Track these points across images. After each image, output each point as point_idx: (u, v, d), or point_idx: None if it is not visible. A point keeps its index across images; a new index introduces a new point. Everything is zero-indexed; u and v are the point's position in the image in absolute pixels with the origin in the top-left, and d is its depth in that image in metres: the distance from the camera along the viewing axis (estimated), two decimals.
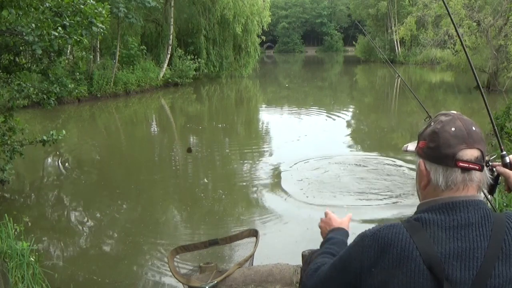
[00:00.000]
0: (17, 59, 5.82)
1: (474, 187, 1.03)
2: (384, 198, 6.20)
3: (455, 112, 1.08)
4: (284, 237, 5.00)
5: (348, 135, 11.45)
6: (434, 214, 1.01)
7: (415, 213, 1.06)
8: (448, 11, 1.82)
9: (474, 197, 1.02)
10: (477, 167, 1.01)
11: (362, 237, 1.07)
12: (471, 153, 1.01)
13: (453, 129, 1.03)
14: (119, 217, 5.93)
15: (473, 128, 1.02)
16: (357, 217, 5.19)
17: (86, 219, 5.81)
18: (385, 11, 39.84)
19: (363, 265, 1.03)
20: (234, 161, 8.36)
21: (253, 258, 3.57)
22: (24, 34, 4.83)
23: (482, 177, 1.03)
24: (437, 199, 1.04)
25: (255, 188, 6.78)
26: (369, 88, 24.78)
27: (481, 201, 1.02)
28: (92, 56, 17.31)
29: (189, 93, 20.22)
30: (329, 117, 14.34)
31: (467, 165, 1.01)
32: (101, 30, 5.14)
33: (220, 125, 13.20)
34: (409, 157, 8.17)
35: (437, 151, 1.03)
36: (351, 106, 17.25)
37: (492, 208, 1.38)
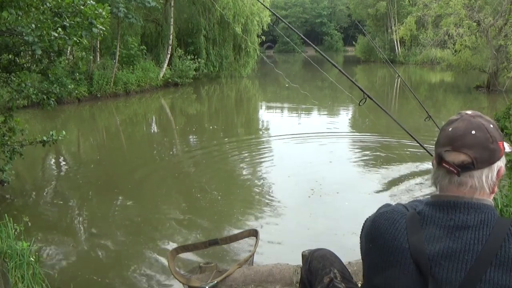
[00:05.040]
0: (17, 59, 5.81)
1: (468, 191, 1.00)
2: (386, 197, 6.21)
3: (470, 112, 1.05)
4: (284, 237, 5.00)
5: (348, 135, 11.46)
6: (435, 211, 1.02)
7: (426, 203, 1.06)
8: None
9: (479, 200, 1.00)
10: (454, 171, 0.99)
11: (378, 211, 1.15)
12: (455, 156, 0.99)
13: (450, 129, 1.02)
14: (118, 217, 5.93)
15: (472, 132, 0.98)
16: (355, 214, 5.18)
17: (86, 219, 5.81)
18: (384, 11, 39.81)
19: (367, 238, 1.12)
20: (234, 161, 8.36)
21: (253, 258, 3.57)
22: (24, 34, 4.82)
23: (478, 182, 0.99)
24: (443, 195, 1.03)
25: (254, 188, 6.78)
26: (369, 88, 24.72)
27: (487, 205, 0.99)
28: (92, 56, 17.29)
29: (189, 93, 20.21)
30: (329, 116, 14.34)
31: (448, 167, 1.00)
32: (101, 31, 5.14)
33: (216, 126, 13.19)
34: (410, 157, 8.18)
35: (435, 148, 1.06)
36: (351, 106, 17.24)
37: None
